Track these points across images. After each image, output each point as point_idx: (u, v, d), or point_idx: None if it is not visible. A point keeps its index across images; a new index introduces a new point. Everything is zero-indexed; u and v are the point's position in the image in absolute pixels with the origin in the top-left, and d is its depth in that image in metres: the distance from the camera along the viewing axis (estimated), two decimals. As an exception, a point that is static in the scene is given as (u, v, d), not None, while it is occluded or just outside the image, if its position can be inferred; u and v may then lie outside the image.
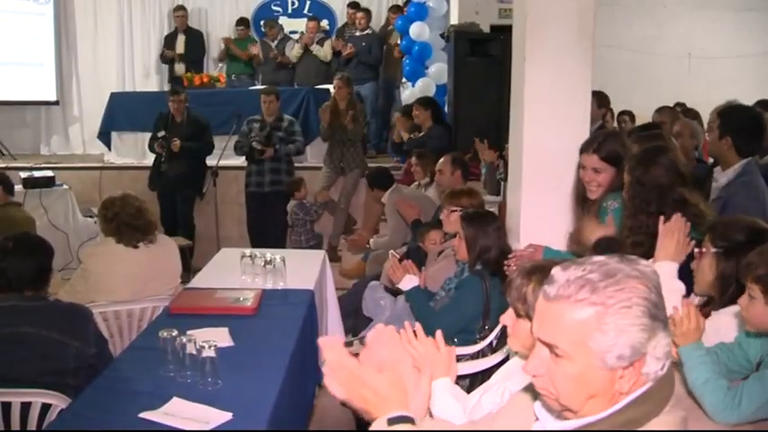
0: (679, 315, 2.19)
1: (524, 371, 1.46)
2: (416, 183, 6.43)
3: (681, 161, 2.89)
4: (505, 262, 3.37)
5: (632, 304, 1.32)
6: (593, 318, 1.33)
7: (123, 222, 3.92)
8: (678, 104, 7.86)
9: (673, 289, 2.35)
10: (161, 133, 7.28)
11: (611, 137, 3.28)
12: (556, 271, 1.41)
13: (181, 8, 10.17)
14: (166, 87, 9.71)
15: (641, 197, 2.81)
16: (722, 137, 3.63)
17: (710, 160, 4.72)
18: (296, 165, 7.76)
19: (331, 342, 1.52)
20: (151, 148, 7.51)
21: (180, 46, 9.91)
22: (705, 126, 5.25)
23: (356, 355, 1.54)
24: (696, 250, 2.52)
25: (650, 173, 2.81)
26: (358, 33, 9.35)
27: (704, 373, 2.15)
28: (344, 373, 1.49)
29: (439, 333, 1.95)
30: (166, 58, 10.06)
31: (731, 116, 3.73)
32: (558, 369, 1.38)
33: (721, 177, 3.67)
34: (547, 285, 1.41)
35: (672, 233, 2.51)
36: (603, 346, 1.32)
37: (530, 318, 2.01)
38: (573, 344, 1.35)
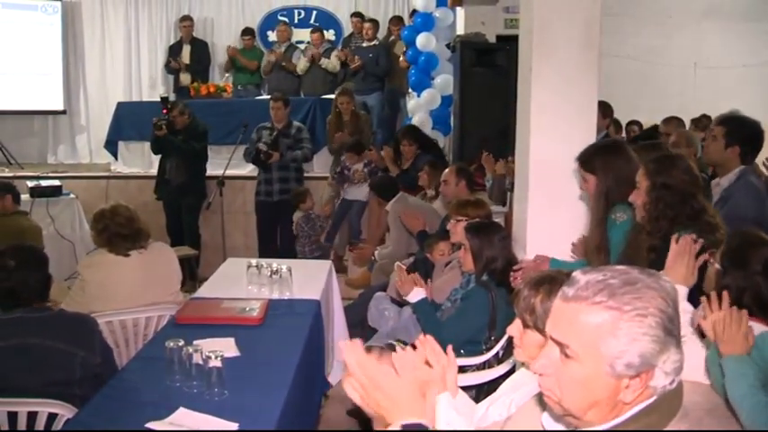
0: (723, 317, 2.17)
1: (532, 369, 1.46)
2: (423, 192, 6.43)
3: (695, 168, 2.91)
4: (512, 274, 3.37)
5: (648, 314, 1.32)
6: (607, 321, 1.33)
7: (113, 233, 3.93)
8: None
9: (681, 311, 2.33)
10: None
11: (600, 147, 3.35)
12: (577, 273, 1.42)
13: (187, 18, 10.21)
14: (173, 97, 9.74)
15: (666, 201, 2.79)
16: (729, 146, 3.71)
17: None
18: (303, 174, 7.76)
19: (352, 345, 1.52)
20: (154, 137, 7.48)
21: (185, 56, 9.96)
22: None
23: None
24: (707, 256, 2.51)
25: (674, 176, 2.81)
26: (365, 44, 9.36)
27: (743, 387, 2.09)
28: (363, 376, 1.48)
29: (435, 345, 1.87)
30: (172, 69, 10.09)
31: (737, 126, 3.78)
32: (565, 370, 1.38)
33: (723, 181, 3.79)
34: (566, 286, 1.41)
35: (682, 256, 2.47)
36: (614, 352, 1.32)
37: (538, 329, 2.01)
38: (584, 345, 1.35)
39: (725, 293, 2.23)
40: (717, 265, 2.44)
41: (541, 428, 1.57)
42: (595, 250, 3.22)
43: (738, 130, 3.77)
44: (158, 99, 7.95)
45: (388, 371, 1.50)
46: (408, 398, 1.47)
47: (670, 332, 1.34)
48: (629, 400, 1.35)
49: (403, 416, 1.45)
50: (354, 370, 1.49)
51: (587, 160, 3.24)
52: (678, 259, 2.47)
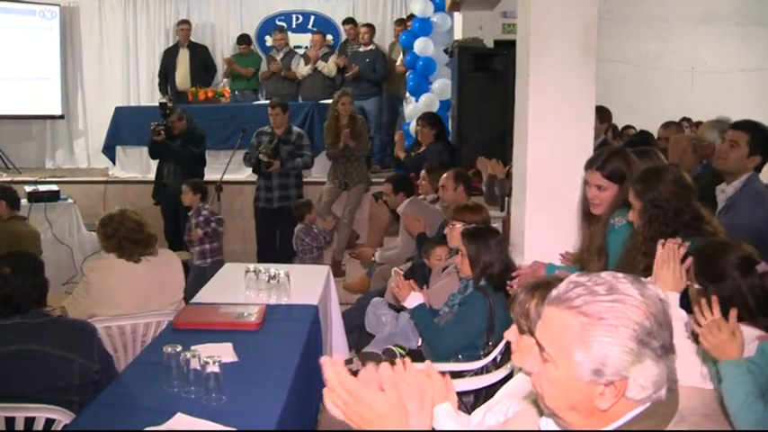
0: (710, 325, 2.16)
1: (524, 367, 1.47)
2: (422, 197, 6.43)
3: (683, 174, 2.86)
4: (508, 282, 3.36)
5: (620, 324, 1.32)
6: (579, 328, 1.34)
7: (123, 237, 3.92)
8: (684, 119, 7.88)
9: (675, 317, 2.32)
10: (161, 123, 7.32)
11: (616, 154, 3.20)
12: (570, 276, 1.44)
13: (184, 21, 10.07)
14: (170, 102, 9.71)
15: (659, 220, 2.74)
16: (752, 154, 3.62)
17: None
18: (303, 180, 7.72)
19: (331, 361, 1.52)
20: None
21: (183, 61, 9.88)
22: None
23: (355, 372, 1.53)
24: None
25: (662, 193, 2.76)
26: (362, 49, 9.35)
27: (740, 395, 2.09)
28: (343, 391, 1.48)
29: (428, 362, 1.89)
30: (165, 76, 9.93)
31: (759, 134, 3.67)
32: (544, 371, 1.41)
33: (728, 188, 3.71)
34: (553, 289, 1.44)
35: (667, 263, 2.45)
36: (582, 358, 1.34)
37: (533, 334, 2.01)
38: (558, 349, 1.38)
39: (714, 298, 2.21)
40: (696, 285, 2.43)
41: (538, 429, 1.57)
42: (596, 252, 3.21)
43: (762, 139, 3.64)
44: (156, 104, 7.95)
45: (370, 385, 1.49)
46: (392, 411, 1.47)
47: (646, 344, 1.33)
48: (605, 407, 1.36)
49: (387, 428, 1.45)
50: (334, 385, 1.49)
51: (615, 170, 3.14)
52: (664, 266, 2.46)
